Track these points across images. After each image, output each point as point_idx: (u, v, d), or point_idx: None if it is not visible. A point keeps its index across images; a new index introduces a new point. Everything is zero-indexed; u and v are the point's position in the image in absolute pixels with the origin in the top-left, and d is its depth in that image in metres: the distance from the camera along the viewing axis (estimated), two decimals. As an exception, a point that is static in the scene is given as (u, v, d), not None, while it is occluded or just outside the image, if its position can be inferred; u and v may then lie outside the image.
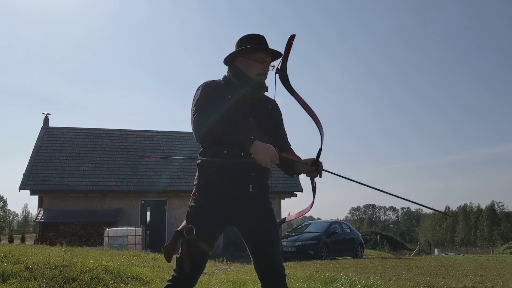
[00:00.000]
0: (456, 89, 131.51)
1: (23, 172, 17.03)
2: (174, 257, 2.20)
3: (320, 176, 2.26)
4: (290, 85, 2.34)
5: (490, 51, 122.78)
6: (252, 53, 2.29)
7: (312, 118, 2.34)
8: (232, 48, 2.38)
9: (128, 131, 20.83)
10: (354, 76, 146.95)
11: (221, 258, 8.66)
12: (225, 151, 2.18)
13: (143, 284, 4.67)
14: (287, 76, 2.32)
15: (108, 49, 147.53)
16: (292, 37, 2.21)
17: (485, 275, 7.59)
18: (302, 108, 2.35)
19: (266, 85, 2.35)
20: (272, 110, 2.42)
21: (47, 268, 4.52)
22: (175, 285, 2.15)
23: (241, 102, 2.27)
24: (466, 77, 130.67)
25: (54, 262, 4.78)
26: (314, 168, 2.22)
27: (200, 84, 2.31)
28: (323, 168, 2.25)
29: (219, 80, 2.35)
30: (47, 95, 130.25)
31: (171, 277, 2.18)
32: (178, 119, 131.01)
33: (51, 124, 20.08)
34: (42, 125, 19.80)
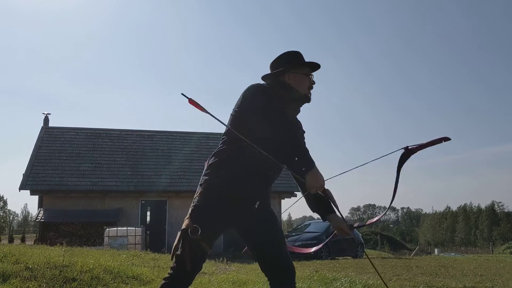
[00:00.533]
0: (456, 89, 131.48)
1: (23, 172, 17.05)
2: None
3: (342, 237, 2.42)
4: (402, 166, 2.40)
5: (490, 51, 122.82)
6: (300, 68, 2.33)
7: (392, 198, 2.42)
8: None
9: (128, 131, 20.84)
10: (354, 76, 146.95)
11: (221, 258, 8.66)
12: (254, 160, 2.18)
13: (143, 284, 4.68)
14: (406, 159, 2.37)
15: (108, 49, 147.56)
16: (445, 139, 2.28)
17: (485, 275, 7.59)
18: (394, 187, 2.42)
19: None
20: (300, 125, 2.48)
21: (47, 268, 4.52)
22: (173, 283, 2.16)
23: (294, 118, 2.35)
24: (466, 77, 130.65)
25: (54, 262, 4.78)
26: (348, 231, 2.37)
27: (253, 87, 2.24)
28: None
29: (268, 88, 2.29)
30: (47, 95, 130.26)
31: (168, 275, 2.18)
32: (178, 119, 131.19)
33: (51, 124, 20.10)
34: (42, 125, 19.82)
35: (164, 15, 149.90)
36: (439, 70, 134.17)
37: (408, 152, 2.34)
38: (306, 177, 2.06)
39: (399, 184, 2.40)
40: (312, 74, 2.38)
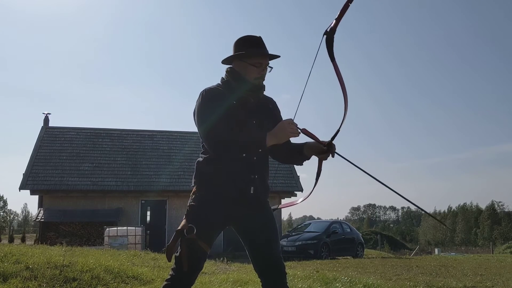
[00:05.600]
0: (462, 87, 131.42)
1: (23, 172, 17.04)
2: (173, 256, 2.20)
3: (333, 156, 2.26)
4: (333, 51, 2.29)
5: (497, 49, 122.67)
6: (248, 56, 2.28)
7: (343, 92, 2.32)
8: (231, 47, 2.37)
9: (128, 130, 20.84)
10: (362, 75, 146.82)
11: (221, 258, 8.66)
12: (232, 152, 2.19)
13: (143, 283, 4.68)
14: (332, 41, 2.26)
15: (109, 49, 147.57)
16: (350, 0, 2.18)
17: (485, 275, 7.59)
18: (337, 78, 2.31)
19: (264, 85, 2.35)
20: (272, 110, 2.43)
21: (48, 268, 4.52)
22: (174, 284, 2.15)
23: (242, 104, 2.28)
24: (472, 75, 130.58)
25: (54, 262, 4.78)
26: (326, 148, 2.23)
27: (200, 91, 2.29)
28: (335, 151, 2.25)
29: (218, 85, 2.33)
30: (47, 95, 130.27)
31: (169, 276, 2.18)
32: (179, 118, 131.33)
33: (51, 124, 20.09)
34: (42, 124, 19.81)
35: (167, 12, 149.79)
36: (446, 69, 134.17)
37: (329, 34, 2.24)
38: (267, 140, 2.11)
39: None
40: (265, 64, 2.29)
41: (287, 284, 2.27)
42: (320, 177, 2.39)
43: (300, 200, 2.65)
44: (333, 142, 2.24)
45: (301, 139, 2.27)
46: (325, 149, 2.24)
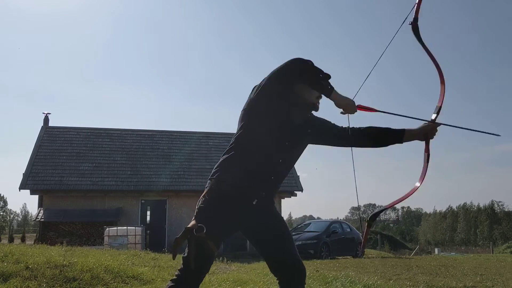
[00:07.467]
0: (464, 88, 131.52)
1: (23, 172, 17.05)
2: (179, 256, 2.18)
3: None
4: (421, 37, 2.44)
5: (496, 47, 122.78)
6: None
7: (438, 73, 2.45)
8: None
9: (128, 130, 20.87)
10: (362, 75, 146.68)
11: (221, 258, 8.66)
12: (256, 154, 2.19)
13: (143, 283, 4.68)
14: (418, 28, 2.40)
15: (109, 49, 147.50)
16: None
17: (485, 275, 7.58)
18: (431, 60, 2.47)
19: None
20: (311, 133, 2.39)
21: (48, 267, 4.52)
22: (179, 284, 2.13)
23: (287, 121, 2.26)
24: (474, 75, 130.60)
25: (54, 262, 4.78)
26: (433, 125, 2.32)
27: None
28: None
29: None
30: (47, 94, 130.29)
31: (175, 277, 2.15)
32: (179, 118, 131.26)
33: (51, 124, 20.10)
34: (42, 124, 19.82)
35: (167, 12, 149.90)
36: (444, 68, 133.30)
37: (414, 22, 2.43)
38: (333, 95, 2.14)
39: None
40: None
41: (304, 285, 2.25)
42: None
43: (418, 184, 2.43)
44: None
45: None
46: (433, 126, 2.32)
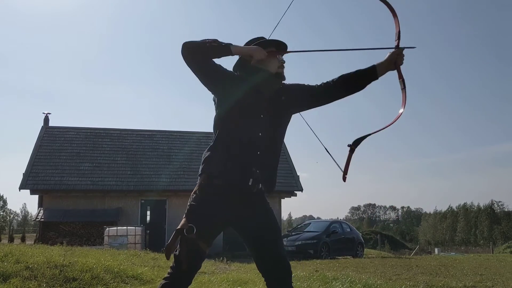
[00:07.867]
0: (464, 87, 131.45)
1: (23, 172, 17.04)
2: (172, 255, 2.20)
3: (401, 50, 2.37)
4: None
5: (495, 48, 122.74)
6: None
7: (389, 8, 2.57)
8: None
9: (128, 130, 20.86)
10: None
11: (221, 258, 8.67)
12: (228, 150, 2.19)
13: (143, 283, 4.68)
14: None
15: (109, 48, 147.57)
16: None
17: (485, 274, 7.59)
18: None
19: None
20: (285, 101, 2.39)
21: (48, 267, 4.52)
22: (172, 282, 2.15)
23: (255, 95, 2.27)
24: (474, 75, 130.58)
25: (54, 262, 4.79)
26: (398, 50, 2.33)
27: None
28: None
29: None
30: (47, 94, 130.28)
31: (168, 275, 2.18)
32: (179, 118, 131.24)
33: (51, 124, 20.09)
34: (42, 124, 19.81)
35: (167, 12, 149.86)
36: (446, 68, 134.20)
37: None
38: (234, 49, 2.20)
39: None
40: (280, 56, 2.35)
41: (292, 285, 2.26)
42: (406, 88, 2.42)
43: (401, 110, 2.49)
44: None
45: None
46: (399, 51, 2.33)
